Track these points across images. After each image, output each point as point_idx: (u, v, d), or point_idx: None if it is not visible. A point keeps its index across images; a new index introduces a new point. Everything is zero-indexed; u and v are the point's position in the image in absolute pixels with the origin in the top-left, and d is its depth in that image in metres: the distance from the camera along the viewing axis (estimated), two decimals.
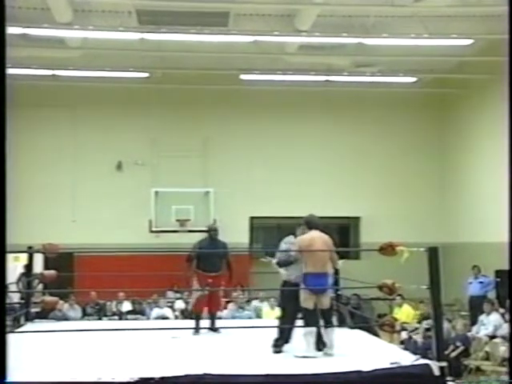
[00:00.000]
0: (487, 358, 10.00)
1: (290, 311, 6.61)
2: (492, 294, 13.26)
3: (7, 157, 3.22)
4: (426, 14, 12.08)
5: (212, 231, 8.40)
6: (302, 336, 6.28)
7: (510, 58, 3.85)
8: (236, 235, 16.02)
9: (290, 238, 6.83)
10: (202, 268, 8.10)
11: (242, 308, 13.07)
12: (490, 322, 11.05)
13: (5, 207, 3.20)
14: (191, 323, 8.14)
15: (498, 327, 10.81)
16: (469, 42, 12.94)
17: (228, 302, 12.89)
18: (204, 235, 8.51)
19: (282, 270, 6.71)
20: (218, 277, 8.15)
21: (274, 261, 6.85)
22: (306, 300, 6.31)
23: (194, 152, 16.68)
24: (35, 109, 15.51)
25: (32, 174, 15.68)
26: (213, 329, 8.18)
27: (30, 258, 8.86)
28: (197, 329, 7.96)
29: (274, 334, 6.62)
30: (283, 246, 6.87)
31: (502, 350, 9.71)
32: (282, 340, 6.55)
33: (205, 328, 8.06)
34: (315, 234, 6.47)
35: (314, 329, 6.27)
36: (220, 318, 9.46)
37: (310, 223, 6.59)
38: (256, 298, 13.88)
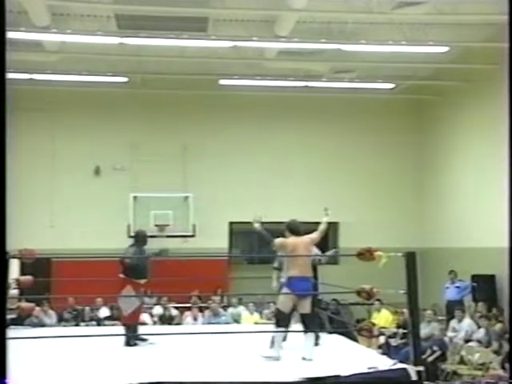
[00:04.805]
0: (463, 361, 10.09)
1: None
2: (468, 299, 13.40)
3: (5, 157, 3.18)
4: (404, 22, 12.20)
5: (140, 237, 7.91)
6: (271, 337, 6.34)
7: (510, 60, 3.93)
8: (215, 240, 16.06)
9: None
10: (133, 276, 7.75)
11: (217, 314, 12.97)
12: (462, 327, 11.20)
13: (4, 210, 3.16)
14: (169, 329, 8.01)
15: (471, 332, 10.94)
16: (445, 49, 13.10)
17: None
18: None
19: None
20: (144, 285, 7.98)
21: None
22: (285, 303, 6.38)
23: (173, 157, 16.62)
24: (12, 113, 15.23)
25: (9, 178, 15.42)
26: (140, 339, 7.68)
27: (6, 264, 8.74)
28: (137, 339, 7.58)
29: (256, 339, 6.72)
30: None
31: (478, 354, 9.81)
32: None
33: (139, 335, 7.64)
34: (297, 239, 6.57)
35: (282, 332, 6.36)
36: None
37: (292, 228, 6.69)
38: (233, 305, 13.83)
